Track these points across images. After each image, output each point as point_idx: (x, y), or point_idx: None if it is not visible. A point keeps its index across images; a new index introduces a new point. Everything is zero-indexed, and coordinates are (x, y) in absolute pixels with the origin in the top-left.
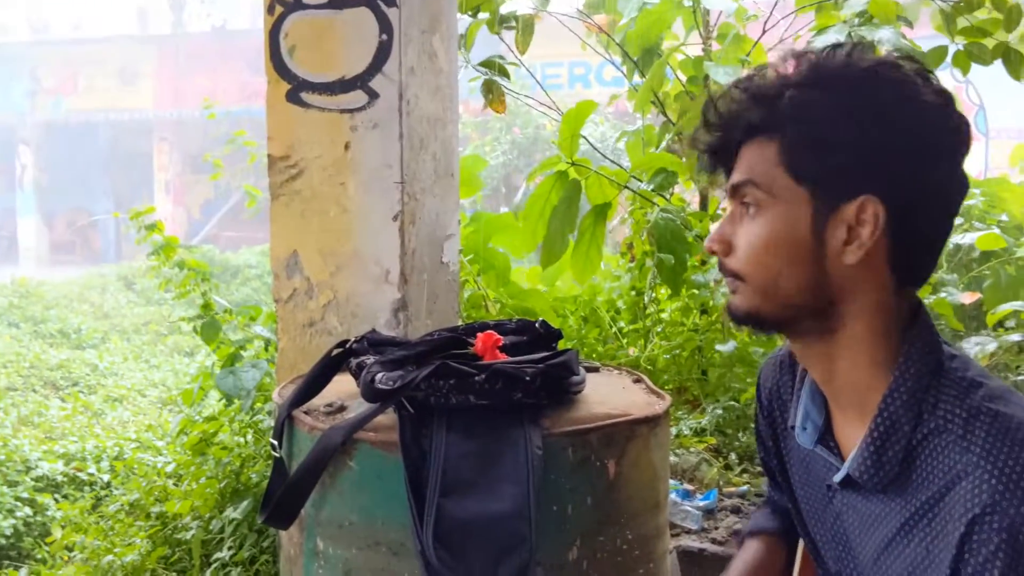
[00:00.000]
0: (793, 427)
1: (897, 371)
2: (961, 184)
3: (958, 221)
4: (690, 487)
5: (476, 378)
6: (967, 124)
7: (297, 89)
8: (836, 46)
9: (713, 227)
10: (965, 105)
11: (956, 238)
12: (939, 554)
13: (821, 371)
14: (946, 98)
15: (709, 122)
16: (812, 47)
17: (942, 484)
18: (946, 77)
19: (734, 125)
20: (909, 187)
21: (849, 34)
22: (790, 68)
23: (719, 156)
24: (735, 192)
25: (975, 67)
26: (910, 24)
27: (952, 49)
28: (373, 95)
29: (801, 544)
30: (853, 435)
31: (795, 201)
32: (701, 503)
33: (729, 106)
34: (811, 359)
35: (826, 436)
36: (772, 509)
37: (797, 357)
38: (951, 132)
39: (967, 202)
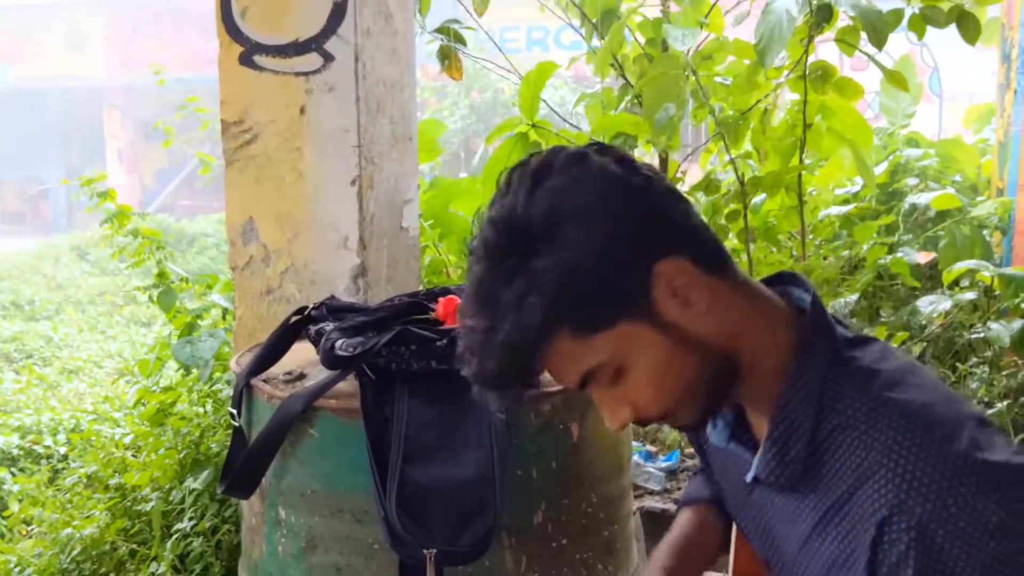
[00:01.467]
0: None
1: (791, 369)
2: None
3: (914, 181)
4: (652, 448)
5: (438, 343)
6: (655, 181)
7: (250, 52)
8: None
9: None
10: (919, 67)
11: (912, 198)
12: (854, 555)
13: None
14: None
15: (479, 382)
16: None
17: (850, 483)
18: (901, 39)
19: (499, 381)
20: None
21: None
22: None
23: (509, 388)
24: (589, 384)
25: (930, 30)
26: None
27: (908, 12)
28: (328, 58)
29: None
30: (763, 430)
31: (622, 341)
32: (663, 464)
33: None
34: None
35: (738, 431)
36: (705, 477)
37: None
38: (636, 203)
39: (923, 162)
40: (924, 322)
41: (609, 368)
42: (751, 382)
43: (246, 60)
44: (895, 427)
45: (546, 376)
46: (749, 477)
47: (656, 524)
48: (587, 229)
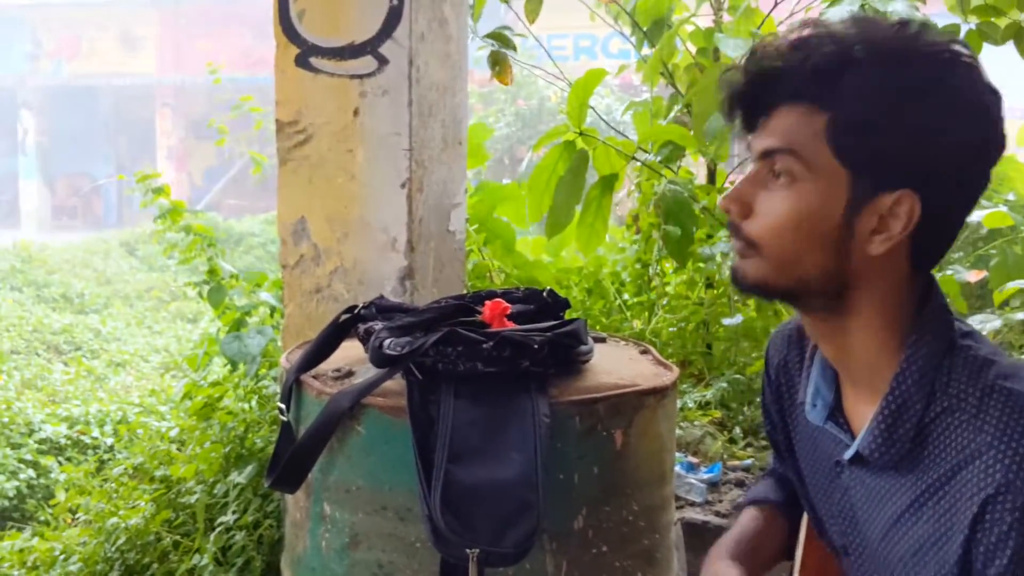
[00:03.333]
0: (802, 403)
1: (909, 350)
2: (988, 182)
3: None
4: (694, 460)
5: (484, 345)
6: (1004, 124)
7: (306, 54)
8: (903, 23)
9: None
10: None
11: None
12: (950, 533)
13: (832, 349)
14: (998, 99)
15: (749, 68)
16: (868, 13)
17: (954, 463)
18: None
19: (778, 80)
20: (948, 187)
21: (863, 6)
22: (851, 36)
23: (749, 105)
24: (766, 156)
25: (984, 47)
26: (923, 0)
27: (964, 28)
28: (383, 61)
29: (805, 519)
30: (864, 412)
31: (835, 181)
32: (705, 476)
33: (776, 62)
34: (822, 337)
35: (836, 412)
36: (774, 480)
37: (808, 333)
38: (997, 136)
39: None
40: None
41: (795, 165)
42: (854, 357)
43: (302, 62)
44: (1008, 412)
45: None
46: (848, 454)
47: (696, 536)
48: (931, 103)
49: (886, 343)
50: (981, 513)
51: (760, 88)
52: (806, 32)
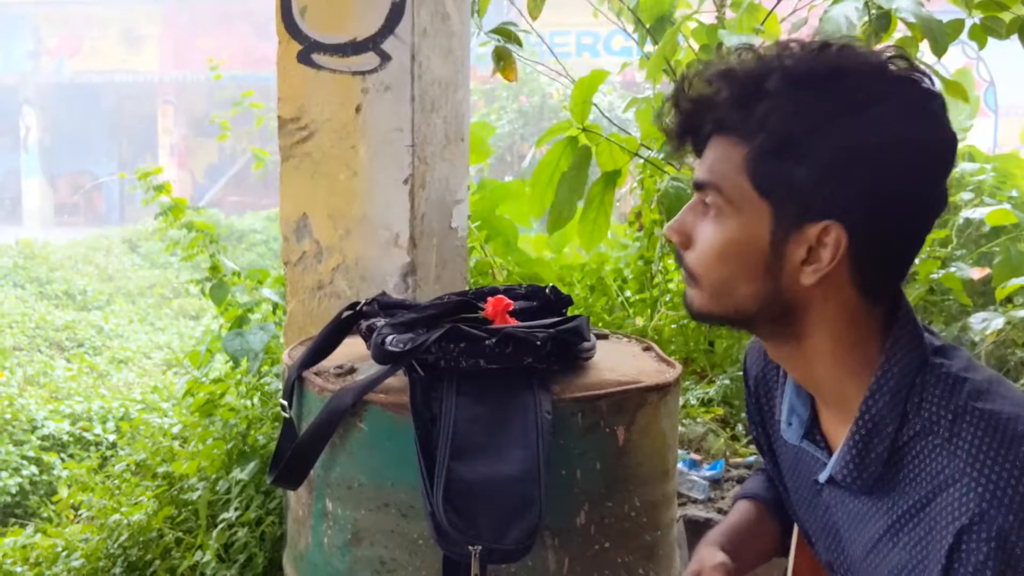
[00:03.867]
0: (779, 420)
1: (879, 371)
2: (940, 200)
3: (969, 196)
4: (697, 457)
5: (487, 342)
6: (955, 137)
7: (308, 50)
8: (824, 45)
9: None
10: (976, 81)
11: (966, 213)
12: (926, 562)
13: (796, 372)
14: (941, 106)
15: (677, 106)
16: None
17: (929, 489)
18: (958, 52)
19: (707, 113)
20: (881, 213)
21: (867, 4)
22: (772, 60)
23: (687, 138)
24: (698, 188)
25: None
26: None
27: (969, 23)
28: (385, 57)
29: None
30: (839, 431)
31: (757, 214)
32: (708, 473)
33: (701, 93)
34: (783, 360)
35: (813, 430)
36: (766, 477)
37: (769, 354)
38: (941, 152)
39: (978, 177)
40: (976, 339)
41: (718, 199)
42: (819, 380)
43: (304, 58)
44: (980, 436)
45: (596, 377)
46: (823, 477)
47: (698, 533)
48: (843, 131)
49: (849, 366)
50: (957, 543)
51: (692, 118)
52: (733, 59)
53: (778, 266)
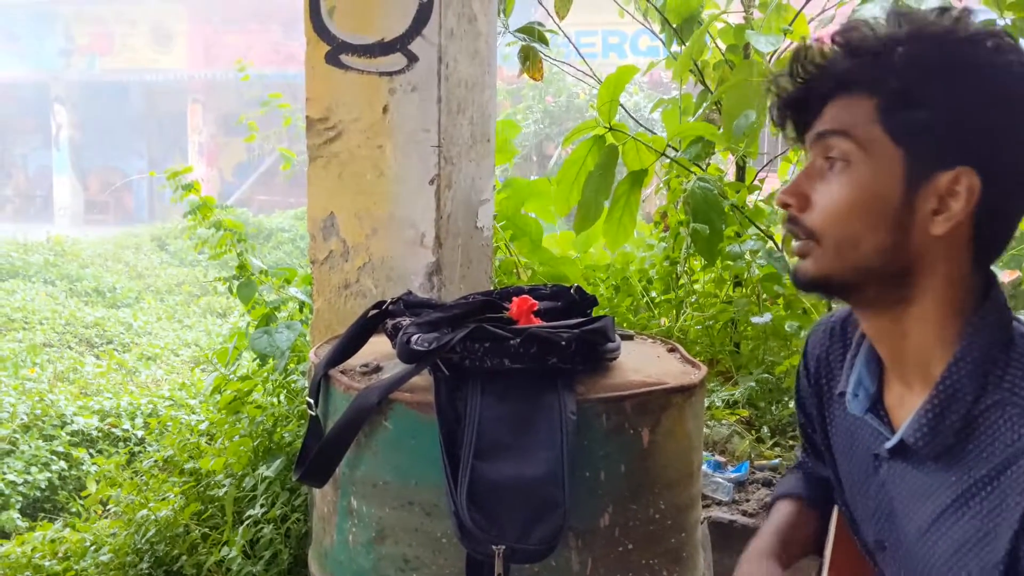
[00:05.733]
0: (843, 394)
1: (965, 340)
2: None
3: None
4: (721, 459)
5: (511, 342)
6: None
7: (336, 51)
8: (942, 10)
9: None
10: None
11: None
12: (998, 530)
13: (887, 340)
14: None
15: (796, 71)
16: (905, 7)
17: (1003, 458)
18: None
19: (825, 77)
20: (1007, 163)
21: (896, 3)
22: (890, 26)
23: (800, 108)
24: (819, 142)
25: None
26: None
27: (999, 24)
28: (412, 58)
29: (834, 517)
30: (909, 404)
31: (889, 161)
32: (732, 475)
33: (821, 58)
34: (878, 328)
35: (877, 405)
36: (803, 474)
37: (863, 326)
38: None
39: None
40: None
41: (849, 147)
42: (909, 349)
43: (332, 59)
44: None
45: (621, 377)
46: (890, 444)
47: (723, 535)
48: (977, 79)
49: (943, 334)
50: None
51: (808, 89)
52: (849, 27)
53: (908, 216)
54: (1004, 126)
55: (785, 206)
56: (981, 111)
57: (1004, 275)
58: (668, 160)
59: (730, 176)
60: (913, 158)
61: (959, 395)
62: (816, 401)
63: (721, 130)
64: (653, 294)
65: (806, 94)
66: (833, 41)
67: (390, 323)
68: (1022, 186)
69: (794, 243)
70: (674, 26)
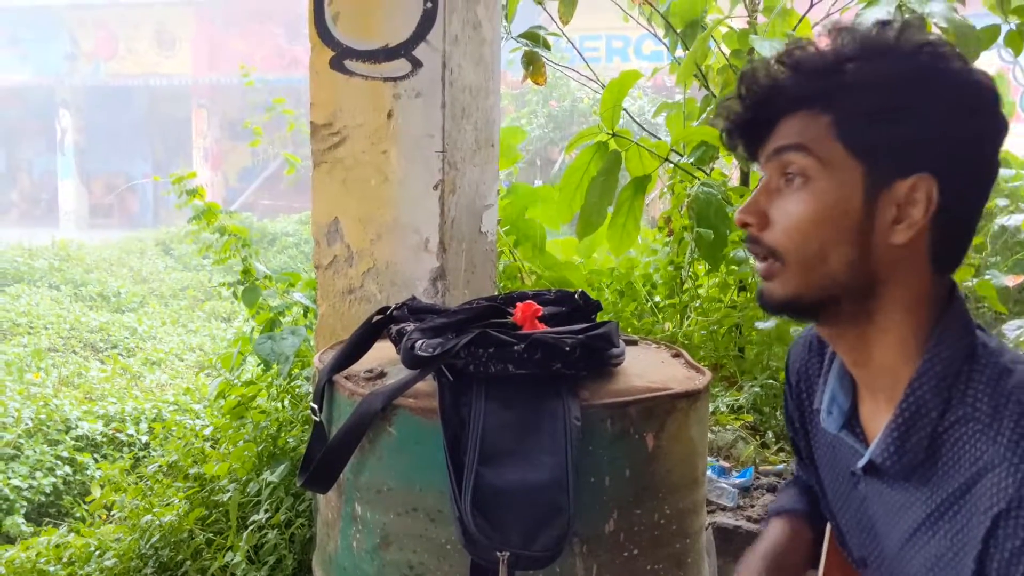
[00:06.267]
0: (819, 410)
1: (927, 355)
2: (997, 167)
3: (1004, 203)
4: (726, 464)
5: (515, 347)
6: (1000, 105)
7: (341, 56)
8: (884, 23)
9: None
10: (1012, 86)
11: (1002, 220)
12: (964, 548)
13: (854, 356)
14: (989, 80)
15: (745, 94)
16: (858, 22)
17: (968, 476)
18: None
19: (775, 96)
20: (961, 167)
21: (899, 7)
22: (835, 42)
23: (752, 128)
24: (776, 159)
25: None
26: (962, 0)
27: (1004, 29)
28: (416, 64)
29: (828, 529)
30: (880, 420)
31: (850, 174)
32: (737, 481)
33: (769, 78)
34: (844, 343)
35: (852, 421)
36: (799, 489)
37: (828, 342)
38: (999, 115)
39: (1013, 184)
40: (1011, 347)
41: (807, 161)
42: (875, 363)
43: (337, 64)
44: (1023, 424)
45: (625, 383)
46: (861, 463)
47: (728, 541)
48: (927, 89)
49: (907, 348)
50: (994, 528)
51: (760, 106)
52: (790, 48)
53: (870, 227)
54: (957, 132)
55: (744, 225)
56: (935, 120)
57: (1008, 279)
58: (672, 165)
59: (734, 181)
60: (872, 170)
61: (923, 411)
62: (799, 415)
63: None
64: (657, 299)
65: (756, 114)
66: (778, 60)
67: (394, 328)
68: (975, 188)
69: (757, 264)
70: (678, 30)
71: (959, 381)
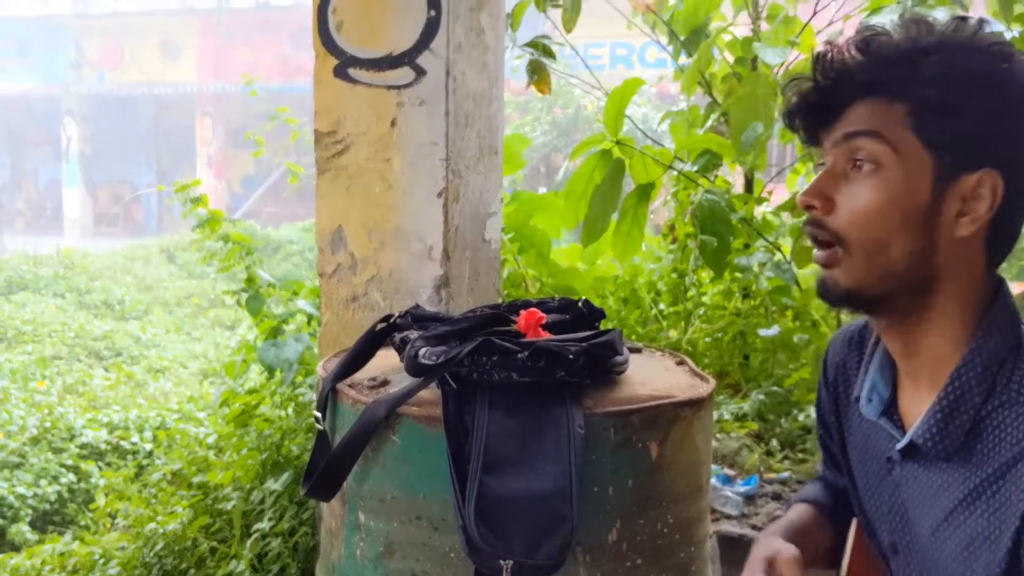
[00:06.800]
0: (858, 398)
1: (974, 344)
2: None
3: None
4: (731, 472)
5: (519, 355)
6: None
7: (345, 65)
8: (961, 18)
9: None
10: None
11: None
12: (1002, 526)
13: (904, 345)
14: None
15: (817, 77)
16: (927, 17)
17: (1009, 457)
18: None
19: (848, 81)
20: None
21: (902, 15)
22: (910, 33)
23: (819, 111)
24: (845, 144)
25: None
26: (964, 7)
27: (1008, 36)
28: (420, 72)
29: (853, 526)
30: (921, 406)
31: (918, 164)
32: (742, 489)
33: (843, 64)
34: (894, 334)
35: (890, 409)
36: (823, 485)
37: (880, 333)
38: None
39: None
40: None
41: (879, 148)
42: (925, 353)
43: (340, 72)
44: None
45: (629, 391)
46: (901, 445)
47: (732, 549)
48: (1000, 87)
49: (957, 337)
50: None
51: (831, 90)
52: (867, 34)
53: (935, 219)
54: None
55: (809, 208)
56: (1005, 117)
57: (1014, 286)
58: (676, 172)
59: (738, 188)
60: (942, 162)
61: (968, 396)
62: (834, 408)
63: (729, 142)
64: (661, 306)
65: (827, 97)
66: (851, 46)
67: (398, 336)
68: None
69: (816, 252)
70: (681, 38)
71: (1004, 369)
